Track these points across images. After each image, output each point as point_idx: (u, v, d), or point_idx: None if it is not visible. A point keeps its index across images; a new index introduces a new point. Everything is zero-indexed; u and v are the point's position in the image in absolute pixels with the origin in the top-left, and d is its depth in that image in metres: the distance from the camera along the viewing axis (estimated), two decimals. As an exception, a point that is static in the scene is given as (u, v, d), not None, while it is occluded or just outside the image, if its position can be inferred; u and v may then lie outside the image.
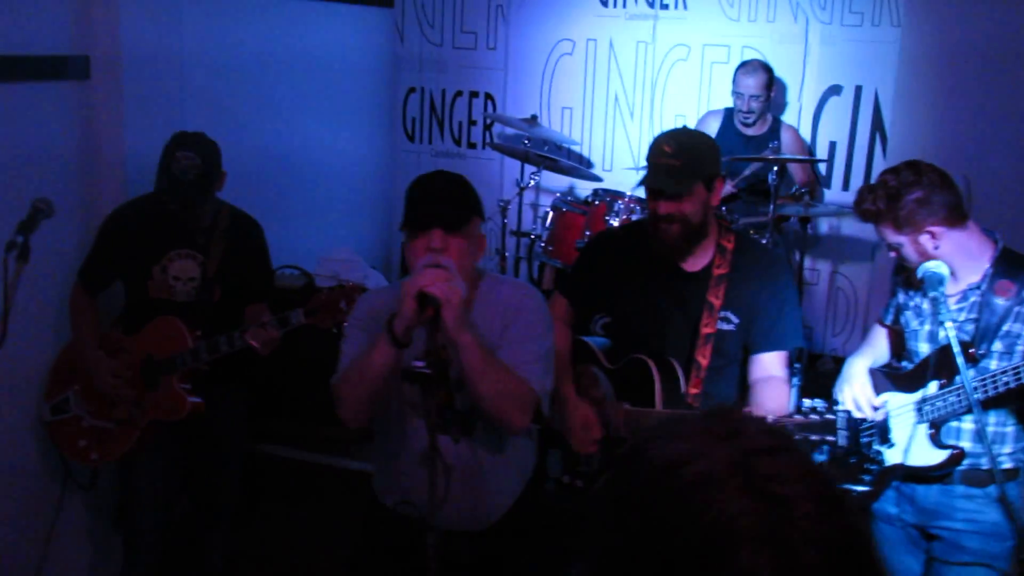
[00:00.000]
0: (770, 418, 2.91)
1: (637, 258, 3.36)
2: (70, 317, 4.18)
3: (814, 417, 2.93)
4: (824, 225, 6.34)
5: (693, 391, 3.23)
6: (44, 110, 4.26)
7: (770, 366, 3.33)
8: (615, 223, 5.48)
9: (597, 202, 5.71)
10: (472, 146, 7.50)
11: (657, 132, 5.58)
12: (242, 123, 5.53)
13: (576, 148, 7.05)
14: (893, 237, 3.14)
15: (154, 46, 4.76)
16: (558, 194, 6.39)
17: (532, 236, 6.31)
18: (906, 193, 3.05)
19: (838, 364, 5.36)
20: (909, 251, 3.14)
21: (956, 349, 2.96)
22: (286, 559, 4.88)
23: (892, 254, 3.23)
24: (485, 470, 2.91)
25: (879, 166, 6.17)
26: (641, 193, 4.50)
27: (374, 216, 7.33)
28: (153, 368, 4.02)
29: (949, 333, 2.99)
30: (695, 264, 3.32)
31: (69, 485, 4.48)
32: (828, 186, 6.38)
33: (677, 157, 3.14)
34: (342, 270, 5.15)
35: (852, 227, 6.35)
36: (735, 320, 3.30)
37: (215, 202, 4.12)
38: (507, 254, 6.51)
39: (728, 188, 5.85)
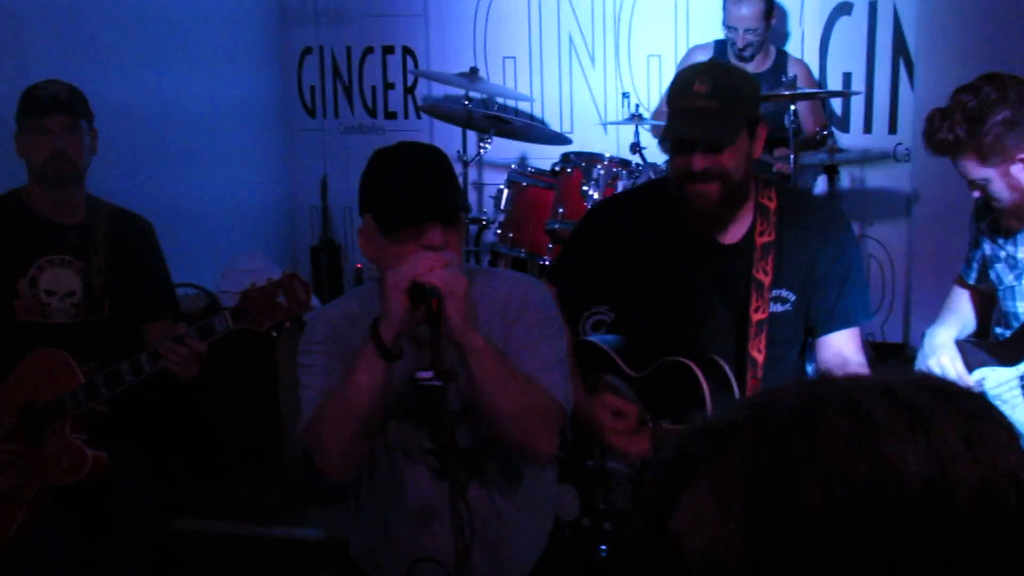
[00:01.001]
0: None
1: (656, 231, 3.33)
2: None
3: None
4: (845, 178, 6.07)
5: (756, 376, 3.24)
6: None
7: (845, 348, 3.30)
8: (596, 194, 5.32)
9: (569, 170, 5.51)
10: (391, 116, 7.25)
11: (626, 78, 6.67)
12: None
13: (525, 106, 6.88)
14: (977, 171, 3.11)
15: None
16: (513, 166, 6.08)
17: (483, 222, 6.13)
18: (990, 114, 3.02)
19: (879, 352, 5.46)
20: (999, 186, 3.12)
21: None
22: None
23: (976, 193, 3.21)
24: (504, 519, 2.85)
25: (906, 101, 5.99)
26: (639, 152, 5.23)
27: (272, 221, 7.14)
28: (35, 418, 3.82)
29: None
30: (733, 234, 3.27)
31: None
32: (846, 129, 6.15)
33: (714, 98, 3.10)
34: (257, 281, 4.51)
35: (879, 177, 6.14)
36: (791, 298, 3.25)
37: (91, 199, 4.06)
38: None
39: None
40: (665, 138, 3.34)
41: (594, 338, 3.56)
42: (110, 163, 4.63)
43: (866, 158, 5.79)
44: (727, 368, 3.19)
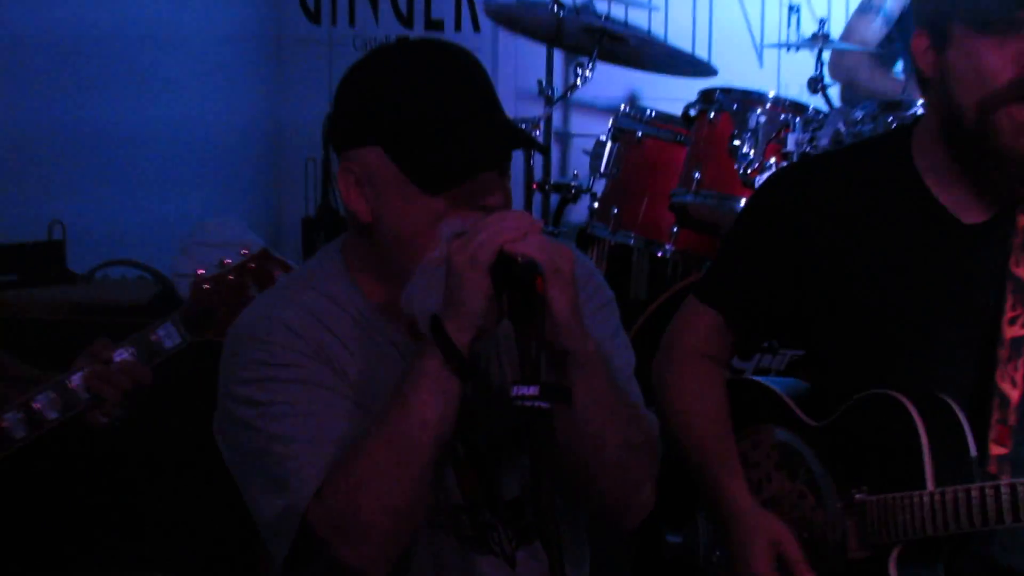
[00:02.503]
0: None
1: (882, 202, 2.94)
2: None
3: None
4: None
5: (998, 450, 2.73)
6: None
7: None
8: (753, 152, 4.73)
9: (712, 115, 4.87)
10: (436, 25, 6.69)
11: None
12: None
13: (639, 17, 6.16)
14: None
15: None
16: (622, 107, 5.30)
17: (572, 190, 5.53)
18: None
19: None
20: None
21: None
22: None
23: None
24: None
25: None
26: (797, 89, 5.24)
27: (250, 176, 6.77)
28: None
29: None
30: (976, 210, 2.85)
31: None
32: None
33: None
34: (228, 257, 4.12)
35: None
36: None
37: None
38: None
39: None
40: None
41: (760, 378, 3.15)
42: (35, 87, 5.16)
43: None
44: (958, 410, 2.75)
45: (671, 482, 2.82)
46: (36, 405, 3.17)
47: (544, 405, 2.09)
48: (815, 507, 2.88)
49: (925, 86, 2.84)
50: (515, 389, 2.09)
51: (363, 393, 2.35)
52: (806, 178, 3.12)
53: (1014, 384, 2.80)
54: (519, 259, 2.11)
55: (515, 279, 2.14)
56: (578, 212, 5.65)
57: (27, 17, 5.67)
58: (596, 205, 5.22)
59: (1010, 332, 2.81)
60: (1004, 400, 2.79)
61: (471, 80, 2.35)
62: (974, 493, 2.61)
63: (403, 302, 2.22)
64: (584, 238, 5.50)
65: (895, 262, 2.90)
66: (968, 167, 2.80)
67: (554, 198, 5.76)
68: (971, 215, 2.83)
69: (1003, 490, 2.59)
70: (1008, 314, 2.81)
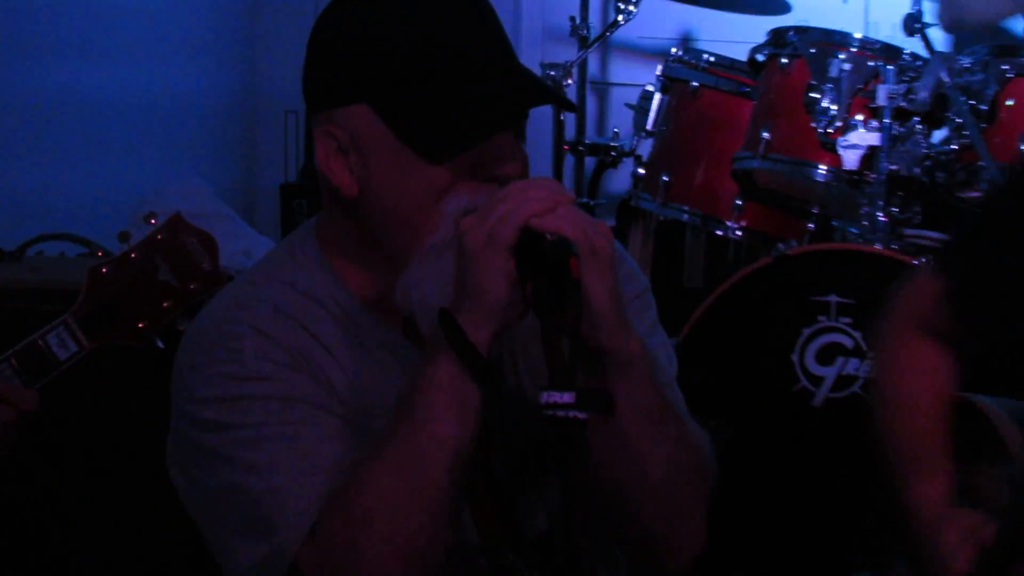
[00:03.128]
0: None
1: None
2: None
3: None
4: None
5: None
6: None
7: None
8: (834, 107, 4.44)
9: (785, 60, 4.55)
10: None
11: None
12: None
13: None
14: None
15: None
16: (673, 51, 4.91)
17: (612, 153, 5.22)
18: None
19: None
20: None
21: None
22: None
23: None
24: None
25: None
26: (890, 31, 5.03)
27: (219, 132, 6.50)
28: None
29: None
30: None
31: None
32: None
33: None
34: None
35: None
36: None
37: None
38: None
39: None
40: None
41: (984, 399, 2.80)
42: None
43: None
44: None
45: (762, 529, 3.39)
46: None
47: (581, 415, 1.92)
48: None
49: None
50: (545, 396, 1.90)
51: (354, 409, 2.14)
52: None
53: None
54: (548, 237, 1.93)
55: (543, 261, 1.97)
56: (619, 179, 5.37)
57: None
58: (641, 171, 4.80)
59: None
60: None
61: (479, 20, 2.10)
62: None
63: (398, 296, 2.03)
64: (626, 211, 5.20)
65: None
66: None
67: (589, 162, 5.42)
68: None
69: None
70: None
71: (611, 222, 5.38)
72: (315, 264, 2.25)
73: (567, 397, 1.89)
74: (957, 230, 3.42)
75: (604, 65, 6.02)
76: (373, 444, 2.11)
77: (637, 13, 5.06)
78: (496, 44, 2.11)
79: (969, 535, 2.40)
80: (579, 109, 2.11)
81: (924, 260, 3.42)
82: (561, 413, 1.90)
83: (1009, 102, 4.34)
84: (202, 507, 2.16)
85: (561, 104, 2.51)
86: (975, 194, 4.39)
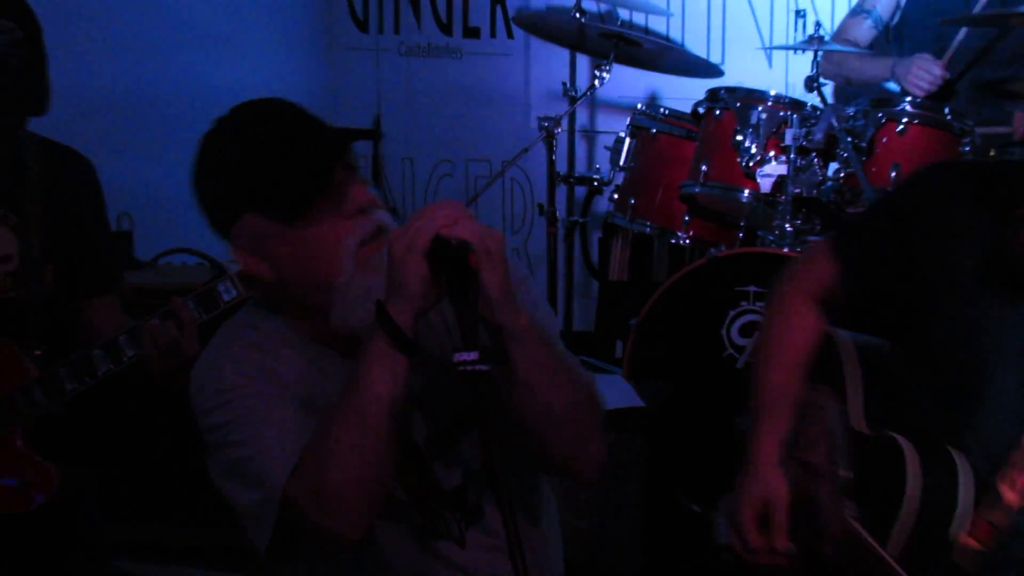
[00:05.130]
0: None
1: (999, 242, 3.01)
2: None
3: None
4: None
5: (970, 542, 2.88)
6: None
7: None
8: (754, 147, 5.13)
9: (718, 112, 5.33)
10: (472, 33, 7.08)
11: None
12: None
13: (658, 23, 6.65)
14: None
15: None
16: (639, 106, 5.82)
17: (595, 183, 5.99)
18: None
19: None
20: None
21: None
22: None
23: None
24: None
25: None
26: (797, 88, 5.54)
27: None
28: None
29: None
30: None
31: None
32: None
33: None
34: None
35: None
36: None
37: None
38: (558, 214, 6.16)
39: (935, 71, 5.51)
40: None
41: (847, 337, 3.19)
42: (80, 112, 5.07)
43: None
44: (963, 481, 2.83)
45: (698, 458, 3.27)
46: (117, 343, 3.63)
47: (484, 368, 2.34)
48: (829, 496, 3.03)
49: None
50: (456, 356, 2.33)
51: (312, 399, 2.61)
52: (955, 184, 3.24)
53: (1013, 487, 2.88)
54: (453, 242, 2.35)
55: (450, 259, 2.38)
56: (604, 203, 5.95)
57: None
58: (616, 196, 5.64)
59: None
60: (998, 499, 2.88)
61: (288, 121, 2.60)
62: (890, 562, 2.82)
63: (337, 325, 2.52)
64: (608, 227, 5.97)
65: (988, 310, 3.01)
66: None
67: (580, 190, 6.25)
68: None
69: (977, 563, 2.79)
70: None
71: (598, 235, 6.30)
72: (269, 317, 2.69)
73: (472, 355, 2.31)
74: (849, 221, 3.94)
75: (592, 117, 6.75)
76: (332, 406, 2.58)
77: (609, 79, 5.83)
78: (302, 129, 2.57)
79: (763, 503, 2.96)
80: (376, 138, 2.55)
81: (820, 239, 3.82)
82: (469, 368, 2.31)
83: (884, 140, 5.18)
84: (223, 488, 2.62)
85: (361, 137, 2.62)
86: (858, 209, 5.10)
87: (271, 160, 2.53)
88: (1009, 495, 2.78)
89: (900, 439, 2.87)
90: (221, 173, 2.60)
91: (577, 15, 5.81)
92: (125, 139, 6.25)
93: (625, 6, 6.41)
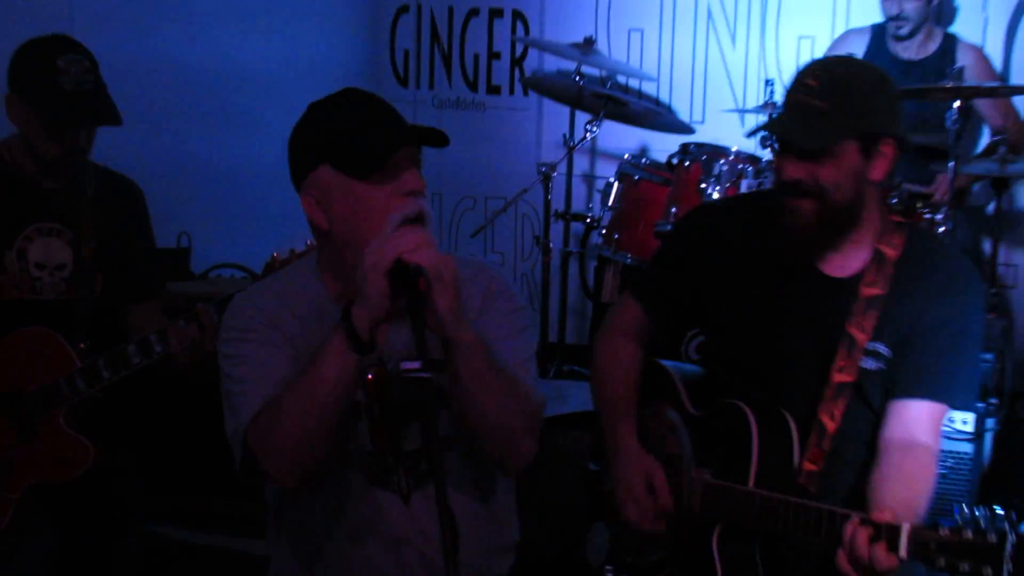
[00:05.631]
0: (904, 528, 2.79)
1: (757, 250, 3.32)
2: None
3: (970, 535, 2.72)
4: (1022, 195, 6.21)
5: (809, 467, 3.16)
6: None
7: (916, 424, 3.18)
8: (716, 194, 5.51)
9: (687, 163, 5.70)
10: (495, 90, 7.59)
11: (771, 62, 6.90)
12: (155, 69, 5.99)
13: (651, 87, 7.10)
14: None
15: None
16: (626, 156, 6.31)
17: (588, 220, 6.43)
18: None
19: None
20: None
21: None
22: None
23: None
24: (463, 542, 2.71)
25: None
26: (753, 145, 5.58)
27: None
28: (25, 407, 3.96)
29: None
30: (842, 267, 3.26)
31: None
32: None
33: (823, 96, 3.05)
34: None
35: None
36: (885, 354, 3.19)
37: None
38: (552, 246, 6.55)
39: None
40: (757, 131, 3.39)
41: (668, 364, 3.57)
42: (167, 124, 5.32)
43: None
44: (793, 426, 3.20)
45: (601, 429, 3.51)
46: (148, 341, 3.86)
47: (425, 375, 2.49)
48: (683, 474, 3.36)
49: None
50: (403, 364, 2.52)
51: (305, 353, 2.73)
52: (718, 217, 3.62)
53: (832, 418, 3.19)
54: (411, 265, 2.51)
55: (406, 281, 2.54)
56: (596, 236, 6.25)
57: (161, 56, 6.28)
58: (604, 232, 6.01)
59: (836, 377, 3.20)
60: (821, 429, 3.20)
61: (378, 103, 2.79)
62: (776, 499, 3.04)
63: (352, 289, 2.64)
64: (601, 259, 6.26)
65: (769, 297, 3.33)
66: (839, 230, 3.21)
67: (578, 227, 6.61)
68: (832, 269, 3.25)
69: (807, 497, 3.06)
70: (838, 363, 3.18)
71: (594, 264, 6.48)
72: (309, 271, 2.88)
73: (416, 364, 2.48)
74: (640, 270, 4.07)
75: (592, 164, 7.19)
76: (293, 377, 2.75)
77: (607, 132, 6.37)
78: (387, 112, 2.76)
79: (647, 475, 3.27)
80: (444, 144, 2.52)
81: (624, 291, 3.97)
82: (412, 374, 2.48)
83: None
84: (223, 401, 2.85)
85: (432, 140, 2.86)
86: None
87: (355, 121, 2.74)
88: (829, 423, 3.15)
89: (737, 402, 3.22)
90: (312, 127, 2.78)
91: (577, 78, 6.25)
92: (189, 174, 6.40)
93: (619, 71, 6.84)
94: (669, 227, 5.57)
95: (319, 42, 7.25)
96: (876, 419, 3.25)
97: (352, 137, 2.71)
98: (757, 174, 5.50)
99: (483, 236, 7.65)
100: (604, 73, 6.62)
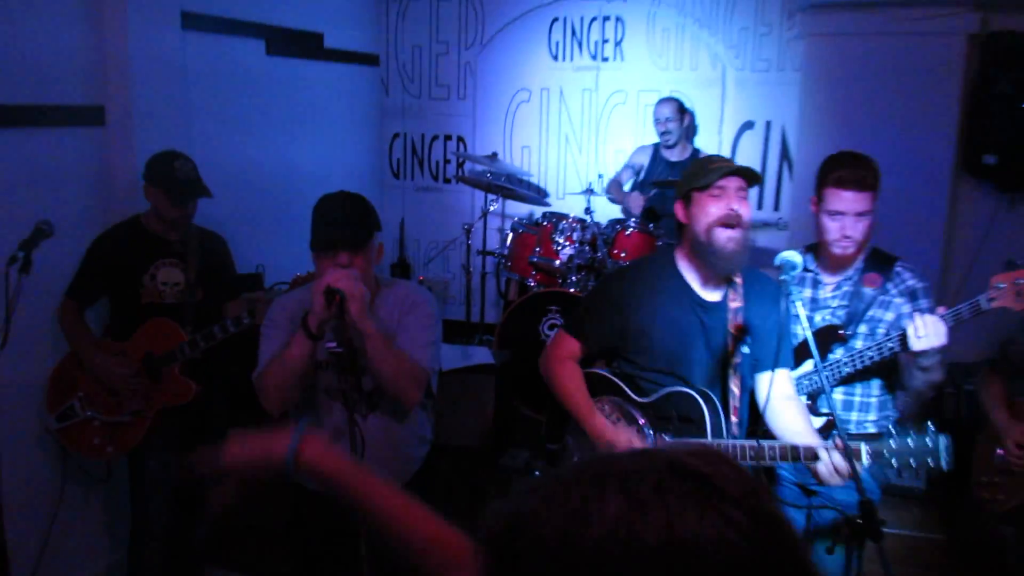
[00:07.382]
0: (864, 448, 3.16)
1: (662, 288, 3.71)
2: (65, 332, 4.87)
3: (911, 442, 3.18)
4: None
5: (733, 418, 3.60)
6: (64, 151, 5.14)
7: (785, 384, 3.65)
8: (562, 240, 7.23)
9: (546, 223, 7.45)
10: (448, 181, 9.03)
11: (601, 164, 8.05)
12: (246, 165, 6.63)
13: (532, 179, 8.60)
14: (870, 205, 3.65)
15: (164, 98, 5.68)
16: (517, 218, 7.97)
17: (496, 255, 7.91)
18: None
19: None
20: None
21: (809, 335, 3.28)
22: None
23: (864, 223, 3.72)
24: (392, 440, 3.53)
25: (787, 189, 7.86)
26: (583, 211, 6.32)
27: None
28: (154, 363, 4.75)
29: (803, 322, 3.29)
30: (713, 295, 3.68)
31: (81, 480, 5.21)
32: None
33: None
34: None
35: (765, 239, 7.73)
36: (749, 343, 3.66)
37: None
38: (472, 269, 7.87)
39: (640, 202, 7.53)
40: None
41: (604, 371, 3.82)
42: (249, 198, 5.74)
43: (757, 225, 7.09)
44: (716, 399, 3.50)
45: (552, 421, 3.80)
46: (226, 324, 4.44)
47: (339, 350, 3.07)
48: (646, 439, 3.55)
49: (680, 227, 3.54)
50: (326, 344, 3.11)
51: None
52: (625, 271, 3.82)
53: (737, 386, 3.52)
54: (334, 289, 3.07)
55: (332, 297, 3.08)
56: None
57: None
58: (503, 261, 7.51)
59: (733, 360, 3.53)
60: (732, 394, 3.52)
61: (344, 212, 3.26)
62: (727, 443, 3.35)
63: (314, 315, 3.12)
64: (507, 280, 7.52)
65: (672, 320, 3.59)
66: (703, 267, 3.51)
67: (492, 259, 7.84)
68: (710, 296, 3.59)
69: (748, 444, 3.29)
70: (731, 349, 3.53)
71: (506, 278, 7.63)
72: (307, 291, 3.28)
73: (334, 344, 3.08)
74: (574, 308, 4.31)
75: (502, 223, 8.22)
76: (279, 353, 3.28)
77: (501, 205, 7.72)
78: (341, 220, 3.22)
79: (630, 443, 3.50)
80: (374, 229, 3.18)
81: (558, 330, 3.92)
82: (333, 350, 3.11)
83: (619, 238, 6.80)
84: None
85: (356, 239, 2.96)
86: (601, 268, 6.70)
87: (319, 223, 3.26)
88: (736, 390, 3.52)
89: (681, 389, 3.51)
90: (313, 213, 3.28)
91: (488, 175, 7.53)
92: (263, 225, 6.76)
93: (513, 172, 7.79)
94: (536, 259, 7.13)
95: (347, 154, 8.19)
96: (749, 385, 3.60)
97: (314, 234, 3.26)
98: (584, 230, 7.12)
99: (439, 261, 9.09)
100: (505, 172, 7.73)
